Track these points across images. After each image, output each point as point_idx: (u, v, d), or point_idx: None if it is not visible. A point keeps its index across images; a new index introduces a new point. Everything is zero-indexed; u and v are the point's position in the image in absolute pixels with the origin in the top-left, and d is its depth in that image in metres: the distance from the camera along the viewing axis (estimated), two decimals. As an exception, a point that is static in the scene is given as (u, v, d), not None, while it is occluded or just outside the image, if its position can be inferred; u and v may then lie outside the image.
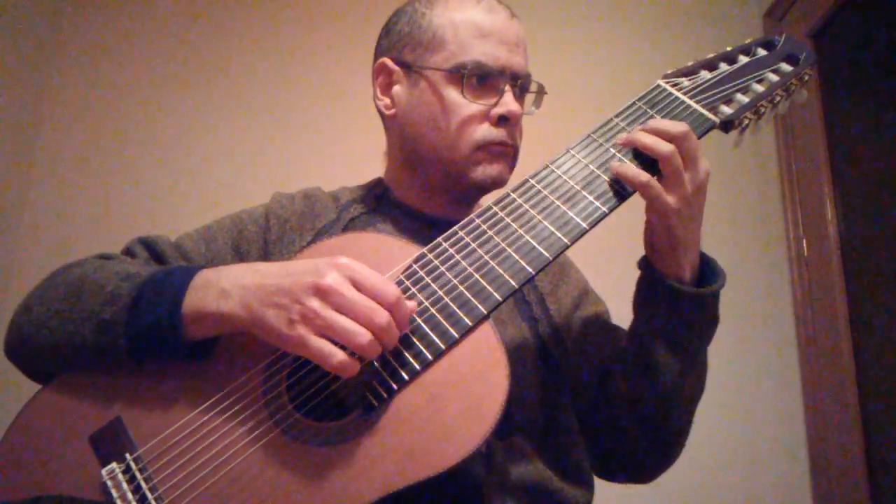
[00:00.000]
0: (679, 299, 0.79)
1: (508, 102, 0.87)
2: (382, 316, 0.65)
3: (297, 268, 0.68)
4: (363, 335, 0.64)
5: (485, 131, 0.88)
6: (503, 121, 0.88)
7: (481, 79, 0.88)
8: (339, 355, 0.64)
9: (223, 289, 0.69)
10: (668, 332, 0.81)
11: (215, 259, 0.89)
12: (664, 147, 0.74)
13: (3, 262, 2.06)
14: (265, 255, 0.90)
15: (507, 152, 0.90)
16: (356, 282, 0.66)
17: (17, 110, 2.13)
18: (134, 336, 0.70)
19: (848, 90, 1.92)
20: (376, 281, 0.67)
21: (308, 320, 0.65)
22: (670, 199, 0.75)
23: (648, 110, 0.82)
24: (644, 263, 0.83)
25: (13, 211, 2.12)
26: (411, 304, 0.70)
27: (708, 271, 0.83)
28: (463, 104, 0.87)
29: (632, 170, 0.76)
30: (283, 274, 0.68)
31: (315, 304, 0.65)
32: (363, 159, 1.11)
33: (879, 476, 1.66)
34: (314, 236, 0.91)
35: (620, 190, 0.77)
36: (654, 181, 0.75)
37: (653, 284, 0.81)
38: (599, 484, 0.90)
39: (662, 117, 0.81)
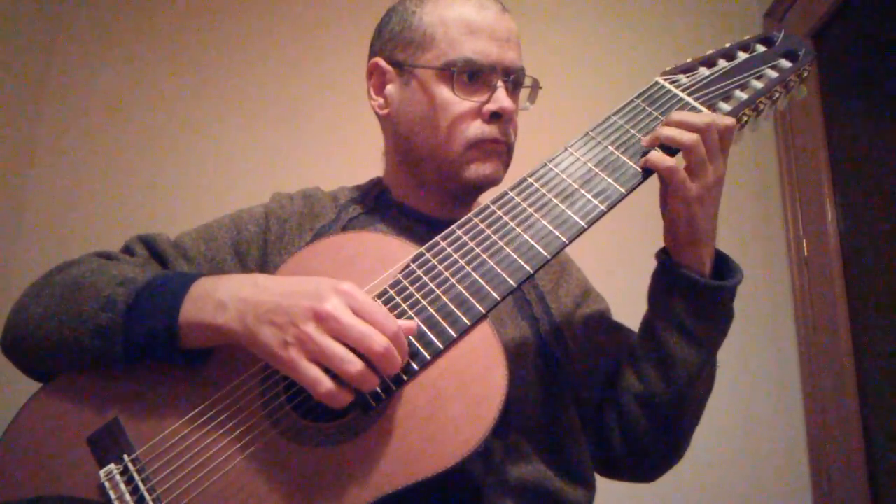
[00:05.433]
0: (699, 292, 0.79)
1: (500, 99, 0.86)
2: (380, 343, 0.63)
3: (297, 287, 0.67)
4: (354, 364, 0.62)
5: (477, 129, 0.87)
6: (496, 117, 0.87)
7: (472, 76, 0.87)
8: (326, 384, 0.62)
9: (220, 300, 0.68)
10: (687, 326, 0.80)
11: (215, 258, 0.88)
12: (687, 137, 0.75)
13: (3, 263, 2.06)
14: (265, 255, 0.89)
15: (500, 149, 0.89)
16: (356, 310, 0.64)
17: (17, 110, 2.13)
18: (130, 342, 0.70)
19: (848, 90, 1.92)
20: (376, 311, 0.65)
21: (302, 344, 0.63)
22: (693, 187, 0.76)
23: (647, 108, 0.82)
24: (663, 255, 0.83)
25: (13, 211, 2.11)
26: (410, 324, 0.68)
27: (722, 266, 0.83)
28: (454, 102, 0.87)
29: (655, 154, 0.77)
30: (282, 292, 0.67)
31: (311, 328, 0.63)
32: (363, 159, 1.10)
33: (880, 476, 1.65)
34: (313, 236, 0.91)
35: (620, 188, 0.76)
36: (678, 167, 0.76)
37: (672, 277, 0.81)
38: (600, 483, 0.89)
39: (661, 114, 0.81)
